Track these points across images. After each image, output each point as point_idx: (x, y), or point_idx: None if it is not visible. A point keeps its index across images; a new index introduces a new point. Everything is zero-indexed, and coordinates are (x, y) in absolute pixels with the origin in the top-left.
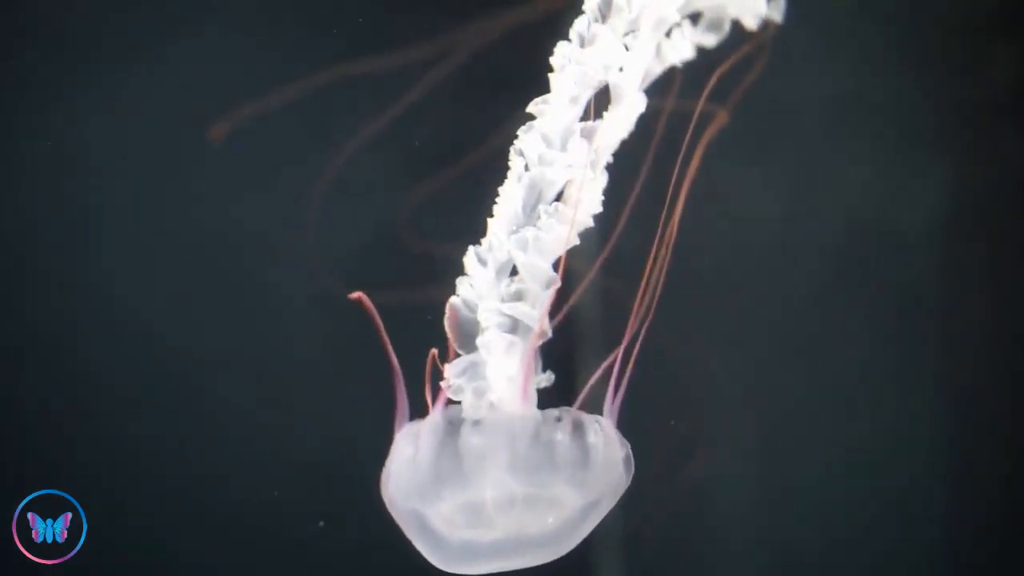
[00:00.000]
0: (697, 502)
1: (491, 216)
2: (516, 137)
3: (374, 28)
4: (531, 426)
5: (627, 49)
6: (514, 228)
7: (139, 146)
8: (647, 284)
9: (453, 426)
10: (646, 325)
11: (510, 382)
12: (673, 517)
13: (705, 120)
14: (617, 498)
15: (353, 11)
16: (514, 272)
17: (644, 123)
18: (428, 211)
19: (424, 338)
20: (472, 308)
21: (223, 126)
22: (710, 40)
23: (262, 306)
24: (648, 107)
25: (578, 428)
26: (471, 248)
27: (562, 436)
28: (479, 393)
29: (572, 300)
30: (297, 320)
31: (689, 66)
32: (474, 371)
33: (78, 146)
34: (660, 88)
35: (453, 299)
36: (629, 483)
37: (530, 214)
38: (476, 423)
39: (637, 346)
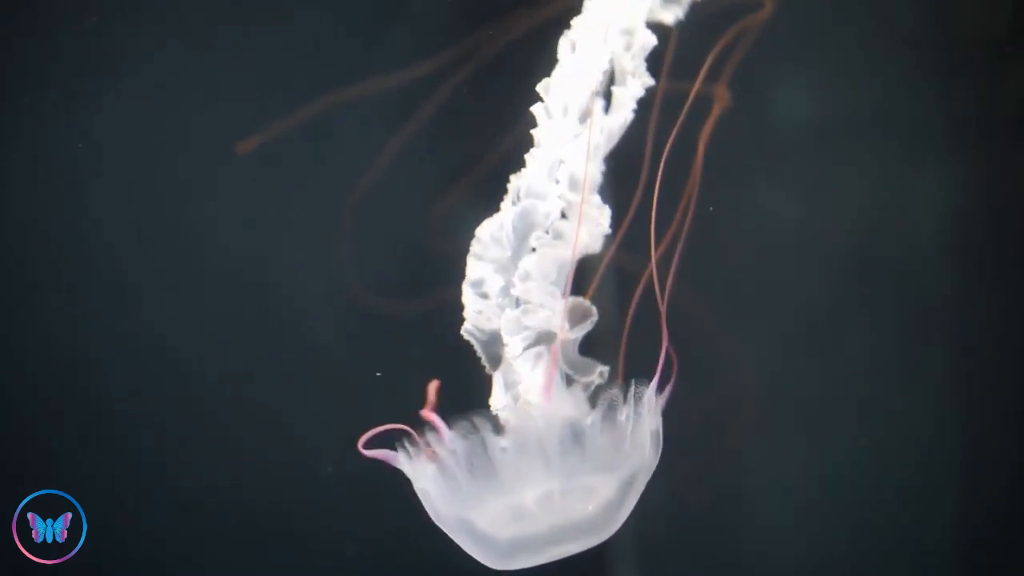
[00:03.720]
0: (707, 498)
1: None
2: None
3: (390, 42)
4: (559, 422)
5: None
6: (507, 254)
7: (165, 159)
8: (660, 283)
9: (476, 437)
10: (660, 323)
11: (541, 386)
12: (685, 511)
13: (709, 106)
14: (650, 473)
15: (372, 25)
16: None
17: (654, 115)
18: (455, 215)
19: (450, 344)
20: (485, 332)
21: (250, 140)
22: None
23: (271, 311)
24: (656, 95)
25: (610, 410)
26: (465, 285)
27: (592, 420)
28: (516, 401)
29: (588, 294)
30: (311, 325)
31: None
32: (509, 385)
33: (101, 158)
34: (673, 75)
35: (465, 327)
36: (659, 457)
37: (523, 241)
38: (502, 430)
39: (647, 345)
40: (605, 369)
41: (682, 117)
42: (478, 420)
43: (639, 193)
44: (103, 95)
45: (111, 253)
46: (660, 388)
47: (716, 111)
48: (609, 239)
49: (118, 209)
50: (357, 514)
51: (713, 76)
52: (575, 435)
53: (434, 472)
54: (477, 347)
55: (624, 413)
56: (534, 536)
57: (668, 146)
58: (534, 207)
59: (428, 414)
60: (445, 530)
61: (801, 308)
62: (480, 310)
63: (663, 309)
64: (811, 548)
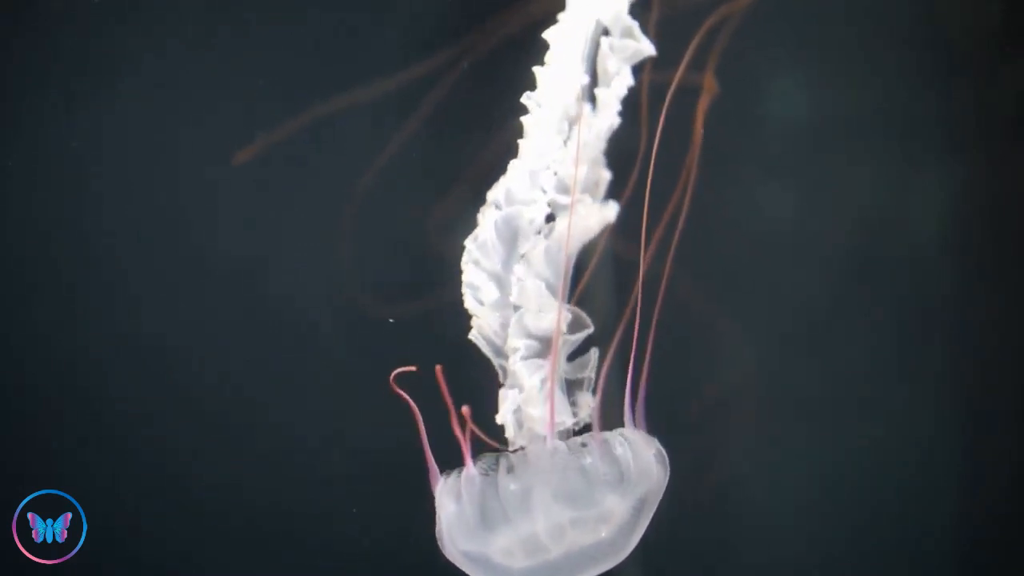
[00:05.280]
0: (708, 498)
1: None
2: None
3: (389, 43)
4: (561, 459)
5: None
6: (498, 264)
7: (164, 159)
8: (658, 281)
9: (489, 474)
10: (656, 326)
11: (542, 408)
12: (685, 511)
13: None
14: (661, 492)
15: (371, 26)
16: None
17: (643, 107)
18: (455, 215)
19: (450, 345)
20: (491, 340)
21: (248, 151)
22: None
23: (270, 311)
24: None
25: (604, 445)
26: (465, 290)
27: (591, 460)
28: (519, 423)
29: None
30: (311, 325)
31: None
32: (513, 401)
33: (101, 158)
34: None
35: (472, 334)
36: (668, 476)
37: (511, 248)
38: (511, 469)
39: (648, 348)
40: (595, 351)
41: (666, 107)
42: (491, 460)
43: (638, 190)
44: (103, 95)
45: (111, 253)
46: (636, 409)
47: (705, 100)
48: (605, 237)
49: (118, 209)
50: (357, 514)
51: (700, 65)
52: (582, 472)
53: (451, 510)
54: (487, 353)
55: (618, 447)
56: (548, 566)
57: (657, 139)
58: (519, 213)
59: (463, 443)
60: (457, 564)
61: (801, 308)
62: (479, 315)
63: (640, 316)
64: (811, 548)
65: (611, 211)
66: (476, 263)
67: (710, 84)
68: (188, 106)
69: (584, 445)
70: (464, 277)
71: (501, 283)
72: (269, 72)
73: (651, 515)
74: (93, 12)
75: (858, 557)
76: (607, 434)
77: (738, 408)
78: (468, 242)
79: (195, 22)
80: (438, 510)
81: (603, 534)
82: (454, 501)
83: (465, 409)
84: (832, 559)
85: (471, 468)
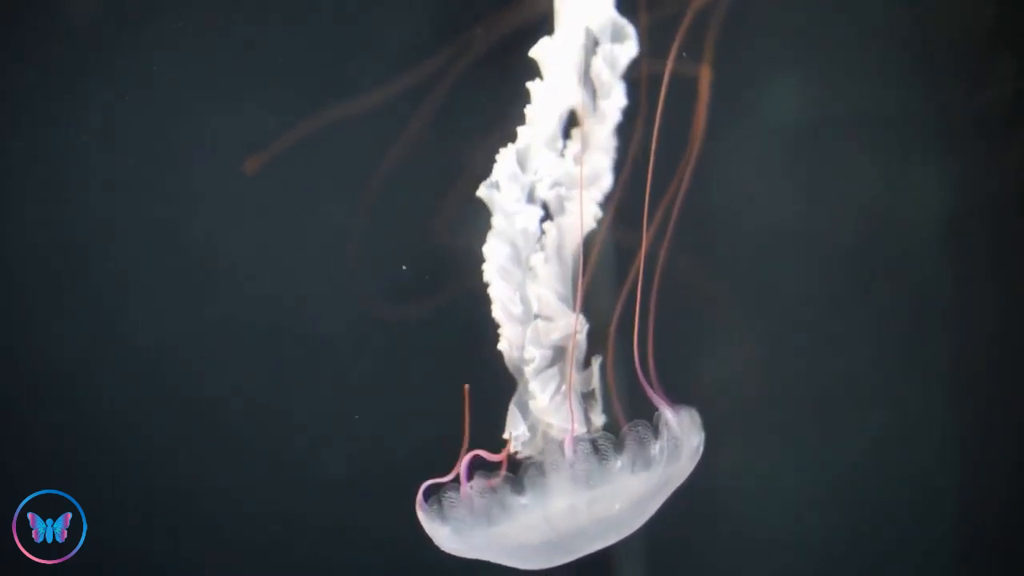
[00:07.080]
0: (709, 499)
1: None
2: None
3: (390, 47)
4: (582, 468)
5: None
6: (512, 280)
7: (165, 160)
8: (653, 281)
9: (487, 495)
10: (656, 323)
11: (558, 417)
12: (684, 514)
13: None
14: (685, 476)
15: (372, 27)
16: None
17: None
18: (454, 217)
19: (452, 345)
20: (517, 348)
21: (257, 158)
22: None
23: (270, 311)
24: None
25: (641, 442)
26: (495, 303)
27: (622, 463)
28: (534, 432)
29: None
30: (312, 326)
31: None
32: (527, 412)
33: (102, 159)
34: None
35: (500, 344)
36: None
37: (518, 262)
38: (519, 486)
39: (649, 346)
40: (599, 358)
41: (661, 106)
42: (499, 481)
43: (638, 191)
44: (103, 95)
45: (112, 254)
46: (657, 396)
47: (704, 91)
48: (603, 237)
49: (119, 210)
50: (358, 515)
51: (699, 58)
52: (606, 471)
53: (452, 524)
54: (510, 365)
55: (657, 447)
56: (558, 542)
57: (655, 138)
58: (512, 222)
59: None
60: (467, 556)
61: (801, 307)
62: (504, 327)
63: (640, 317)
64: (811, 548)
65: (603, 211)
66: (494, 283)
67: (705, 74)
68: (189, 106)
69: (616, 447)
70: (490, 293)
71: (522, 298)
72: (270, 73)
73: (669, 493)
74: (93, 12)
75: (858, 557)
76: (646, 431)
77: (738, 407)
78: (484, 268)
79: (195, 22)
80: (428, 530)
81: (616, 507)
82: (444, 523)
83: (491, 437)
84: (832, 559)
85: (466, 488)
